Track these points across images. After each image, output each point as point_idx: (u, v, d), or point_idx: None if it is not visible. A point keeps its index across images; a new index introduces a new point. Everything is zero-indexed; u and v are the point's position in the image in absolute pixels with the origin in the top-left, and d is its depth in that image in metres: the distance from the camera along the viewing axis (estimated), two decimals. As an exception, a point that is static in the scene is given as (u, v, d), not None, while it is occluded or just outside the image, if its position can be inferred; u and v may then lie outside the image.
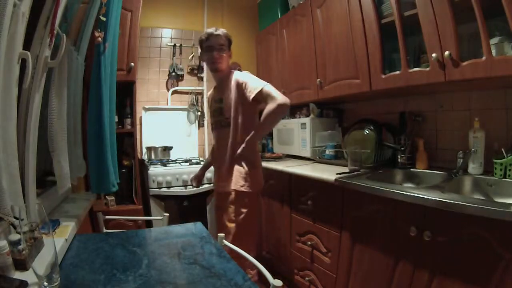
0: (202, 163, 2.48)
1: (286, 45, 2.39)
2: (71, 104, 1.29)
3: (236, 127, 1.52)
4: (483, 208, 0.92)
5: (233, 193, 1.51)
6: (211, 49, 1.53)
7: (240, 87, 1.49)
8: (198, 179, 1.88)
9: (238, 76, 1.54)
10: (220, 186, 1.61)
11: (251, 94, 1.45)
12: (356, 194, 1.38)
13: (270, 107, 1.39)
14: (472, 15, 1.14)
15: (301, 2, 2.25)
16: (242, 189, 1.50)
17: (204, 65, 2.92)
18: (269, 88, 1.43)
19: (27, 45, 0.84)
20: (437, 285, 1.06)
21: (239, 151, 1.49)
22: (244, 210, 1.50)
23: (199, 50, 1.65)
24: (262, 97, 1.43)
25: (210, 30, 1.56)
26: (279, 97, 1.39)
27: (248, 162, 1.53)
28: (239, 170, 1.52)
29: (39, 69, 0.89)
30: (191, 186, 2.32)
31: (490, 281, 0.92)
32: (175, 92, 2.86)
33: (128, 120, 2.32)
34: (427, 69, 1.34)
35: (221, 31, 1.55)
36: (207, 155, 2.92)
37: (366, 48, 1.63)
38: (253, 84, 1.46)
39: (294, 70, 2.30)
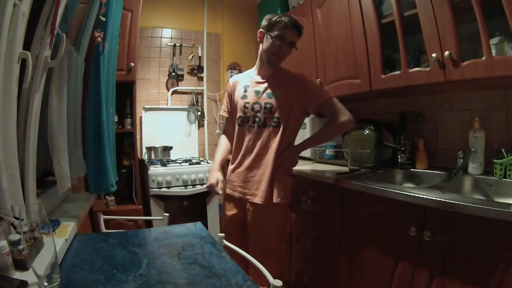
0: (203, 163, 2.48)
1: (286, 45, 2.39)
2: (71, 104, 1.28)
3: (285, 130, 1.36)
4: (483, 208, 0.92)
5: (274, 206, 1.34)
6: (283, 40, 1.32)
7: (305, 89, 1.36)
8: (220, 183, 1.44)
9: (297, 75, 1.41)
10: (244, 192, 1.39)
11: (319, 100, 1.34)
12: (356, 194, 1.38)
13: (343, 119, 1.31)
14: (472, 15, 1.14)
15: (301, 2, 2.25)
16: (283, 201, 1.36)
17: (205, 63, 2.93)
18: (338, 101, 1.36)
19: (27, 45, 0.84)
20: (437, 285, 1.06)
21: (285, 158, 1.36)
22: (284, 224, 1.42)
23: (261, 30, 1.38)
24: (327, 108, 1.34)
25: (292, 19, 1.32)
26: (349, 113, 1.33)
27: (287, 170, 1.41)
28: (278, 180, 1.36)
29: (39, 69, 0.89)
30: (191, 186, 2.33)
31: (490, 281, 0.92)
32: (175, 92, 2.86)
33: (128, 120, 2.33)
34: (427, 69, 1.34)
35: (301, 26, 1.34)
36: (207, 155, 2.92)
37: (366, 48, 1.63)
38: (321, 91, 1.41)
39: (294, 70, 2.29)
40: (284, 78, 1.40)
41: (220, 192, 1.42)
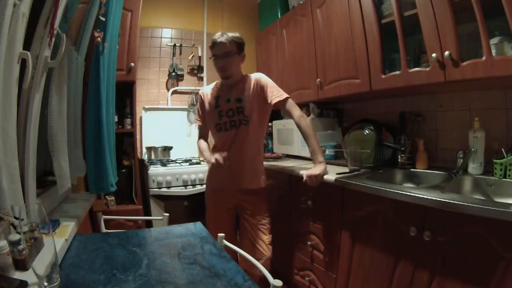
0: (203, 163, 2.48)
1: (286, 45, 2.39)
2: (71, 104, 1.29)
3: (254, 124, 1.57)
4: (483, 208, 0.92)
5: (260, 191, 1.62)
6: (216, 57, 1.55)
7: (261, 89, 1.56)
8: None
9: (257, 77, 1.61)
10: (236, 184, 1.59)
11: (274, 98, 1.53)
12: (356, 194, 1.38)
13: (306, 121, 1.53)
14: (472, 15, 1.14)
15: (301, 2, 2.25)
16: (264, 185, 1.64)
17: (205, 63, 2.93)
18: (291, 100, 1.57)
19: (27, 45, 0.84)
20: (437, 285, 1.06)
21: (321, 158, 1.50)
22: (269, 202, 1.66)
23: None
24: (284, 106, 1.54)
25: (215, 37, 1.53)
26: (299, 108, 1.57)
27: (262, 159, 1.68)
28: (260, 168, 1.65)
29: (39, 69, 0.89)
30: (191, 186, 2.33)
31: (490, 281, 0.91)
32: (175, 92, 2.86)
33: (128, 120, 2.33)
34: (427, 69, 1.34)
35: (225, 37, 1.51)
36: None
37: (366, 48, 1.62)
38: (277, 90, 1.56)
39: (294, 70, 2.30)
40: (248, 82, 1.59)
41: (228, 162, 1.49)
